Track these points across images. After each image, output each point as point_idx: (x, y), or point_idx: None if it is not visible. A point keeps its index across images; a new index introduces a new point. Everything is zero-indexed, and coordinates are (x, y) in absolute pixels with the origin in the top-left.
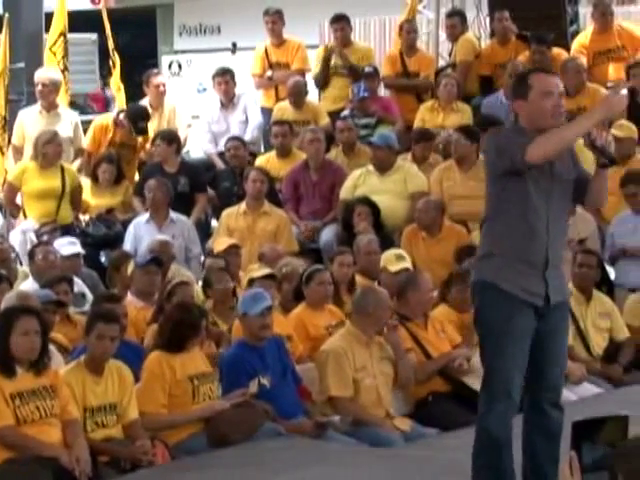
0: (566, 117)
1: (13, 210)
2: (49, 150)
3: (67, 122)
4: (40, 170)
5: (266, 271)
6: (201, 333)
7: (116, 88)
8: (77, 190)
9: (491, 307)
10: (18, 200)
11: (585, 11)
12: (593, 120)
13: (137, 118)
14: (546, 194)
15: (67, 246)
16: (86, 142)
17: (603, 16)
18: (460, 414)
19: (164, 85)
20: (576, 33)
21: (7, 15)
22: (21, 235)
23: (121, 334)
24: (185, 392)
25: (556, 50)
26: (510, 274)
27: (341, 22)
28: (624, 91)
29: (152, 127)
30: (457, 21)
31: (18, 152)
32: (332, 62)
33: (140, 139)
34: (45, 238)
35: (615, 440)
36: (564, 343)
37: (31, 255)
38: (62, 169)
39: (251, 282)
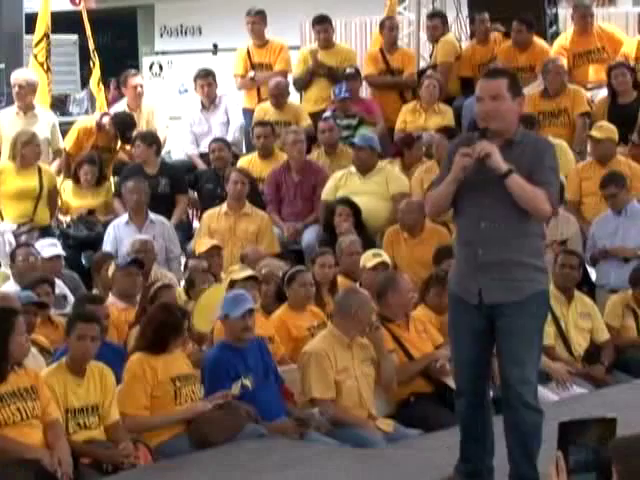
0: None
1: None
2: (27, 151)
3: (44, 123)
4: (17, 170)
5: (248, 273)
6: (183, 334)
7: (96, 89)
8: (54, 191)
9: (449, 308)
10: None
11: (565, 12)
12: (451, 180)
13: (125, 127)
14: (478, 202)
15: (48, 247)
16: (68, 143)
17: (583, 18)
18: (442, 415)
19: (142, 86)
20: (556, 35)
21: None
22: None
23: (103, 335)
24: (167, 393)
25: (537, 39)
26: (455, 276)
27: (324, 24)
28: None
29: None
30: (438, 22)
31: None
32: (311, 64)
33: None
34: (23, 239)
35: (603, 442)
36: (519, 344)
37: (12, 257)
38: (39, 170)
39: (232, 284)
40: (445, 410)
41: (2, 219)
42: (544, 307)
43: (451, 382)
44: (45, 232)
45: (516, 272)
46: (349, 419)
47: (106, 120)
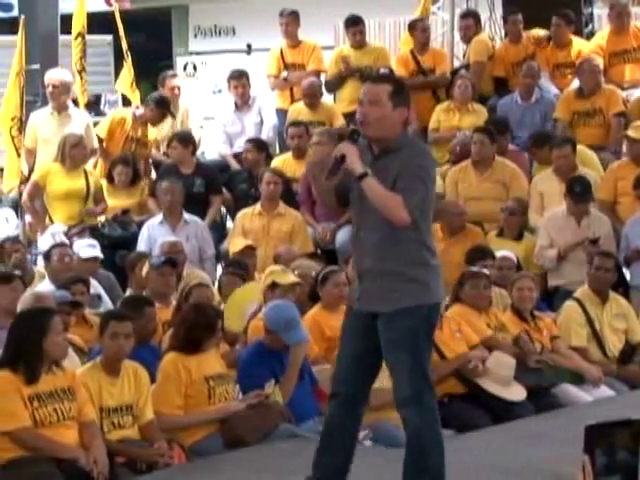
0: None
1: (33, 210)
2: (76, 153)
3: (78, 123)
4: (66, 172)
5: (294, 279)
6: (216, 334)
7: (129, 90)
8: (100, 192)
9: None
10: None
11: (601, 12)
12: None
13: (162, 104)
14: (358, 209)
15: (86, 248)
16: (102, 131)
17: (620, 17)
18: (476, 416)
19: (179, 88)
20: (591, 34)
21: (23, 17)
22: (51, 238)
23: (150, 337)
24: (201, 393)
25: (575, 38)
26: (352, 282)
27: (357, 25)
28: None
29: (166, 128)
30: (471, 22)
31: (30, 154)
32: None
33: (151, 139)
34: (75, 240)
35: (630, 444)
36: (393, 354)
37: (47, 256)
38: (85, 171)
39: (274, 286)
40: (479, 411)
41: (52, 222)
42: (417, 322)
43: (485, 383)
44: (94, 232)
45: (388, 282)
46: (382, 419)
47: (140, 111)
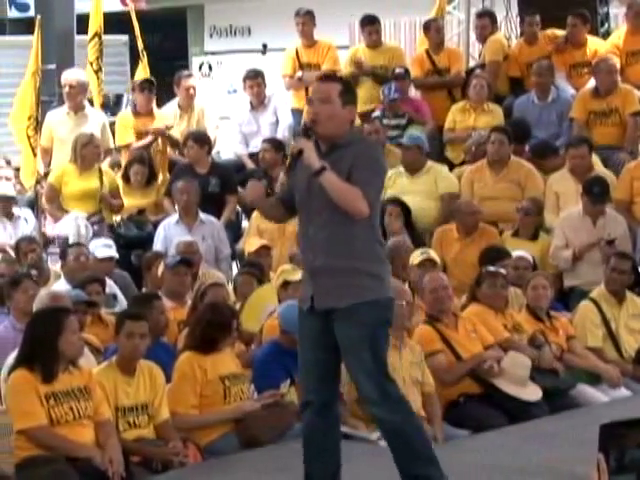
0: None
1: (54, 211)
2: (87, 152)
3: (94, 123)
4: (79, 172)
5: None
6: (232, 333)
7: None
8: (116, 192)
9: None
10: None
11: (616, 12)
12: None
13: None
14: (307, 206)
15: (102, 248)
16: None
17: (637, 16)
18: (491, 416)
19: (194, 88)
20: (607, 34)
21: (39, 16)
22: (74, 222)
23: (162, 331)
24: (216, 392)
25: (591, 37)
26: (301, 284)
27: (373, 25)
28: None
29: (181, 128)
30: (487, 21)
31: (46, 153)
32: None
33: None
34: (96, 228)
35: None
36: (347, 354)
37: (63, 255)
38: (100, 171)
39: (286, 284)
40: (494, 411)
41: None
42: (377, 316)
43: (500, 383)
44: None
45: (343, 278)
46: None
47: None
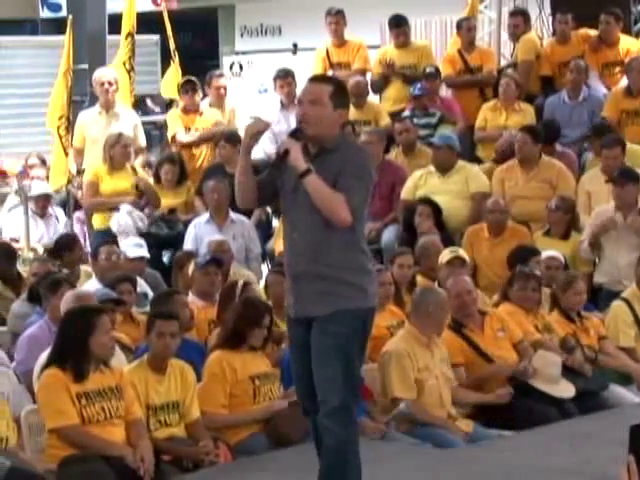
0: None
1: (95, 207)
2: (115, 152)
3: (126, 122)
4: (111, 172)
5: None
6: (263, 327)
7: (177, 90)
8: (151, 189)
9: None
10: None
11: None
12: (242, 152)
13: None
14: (292, 210)
15: (133, 248)
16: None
17: None
18: (523, 415)
19: (225, 88)
20: None
21: (71, 17)
22: (128, 216)
23: (189, 325)
24: (245, 392)
25: (624, 36)
26: (286, 291)
27: (401, 27)
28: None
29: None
30: (520, 20)
31: (79, 153)
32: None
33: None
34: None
35: None
36: (317, 362)
37: (95, 255)
38: (134, 170)
39: None
40: (526, 411)
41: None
42: (352, 327)
43: (533, 383)
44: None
45: (322, 286)
46: (430, 419)
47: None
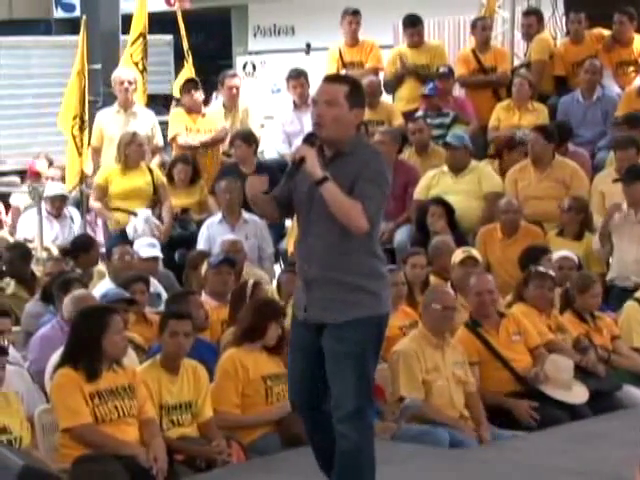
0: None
1: (102, 210)
2: (130, 151)
3: (144, 121)
4: (124, 171)
5: None
6: (280, 320)
7: None
8: (166, 191)
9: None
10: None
11: None
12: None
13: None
14: (307, 215)
15: (146, 248)
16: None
17: None
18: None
19: (237, 88)
20: None
21: (85, 17)
22: (145, 223)
23: (204, 325)
24: (258, 392)
25: (638, 35)
26: (295, 291)
27: (415, 26)
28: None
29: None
30: (533, 20)
31: (97, 153)
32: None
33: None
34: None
35: None
36: (332, 369)
37: (108, 255)
38: (149, 169)
39: None
40: (539, 411)
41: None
42: (367, 334)
43: (546, 389)
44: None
45: (337, 292)
46: (440, 418)
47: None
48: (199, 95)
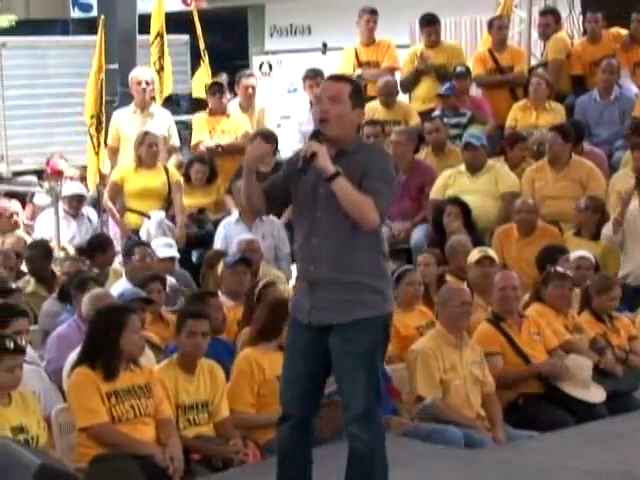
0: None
1: (113, 212)
2: (142, 151)
3: (161, 121)
4: (140, 170)
5: None
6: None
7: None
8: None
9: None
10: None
11: None
12: (245, 173)
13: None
14: (311, 214)
15: (163, 248)
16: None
17: None
18: (553, 416)
19: (253, 88)
20: None
21: (102, 17)
22: (158, 227)
23: (221, 327)
24: (273, 392)
25: None
26: (294, 293)
27: (433, 25)
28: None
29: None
30: (551, 19)
31: (113, 153)
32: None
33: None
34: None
35: None
36: (342, 371)
37: (127, 254)
38: (165, 169)
39: None
40: (556, 411)
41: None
42: (375, 334)
43: (564, 386)
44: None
45: (345, 292)
46: (457, 418)
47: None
48: (225, 98)
